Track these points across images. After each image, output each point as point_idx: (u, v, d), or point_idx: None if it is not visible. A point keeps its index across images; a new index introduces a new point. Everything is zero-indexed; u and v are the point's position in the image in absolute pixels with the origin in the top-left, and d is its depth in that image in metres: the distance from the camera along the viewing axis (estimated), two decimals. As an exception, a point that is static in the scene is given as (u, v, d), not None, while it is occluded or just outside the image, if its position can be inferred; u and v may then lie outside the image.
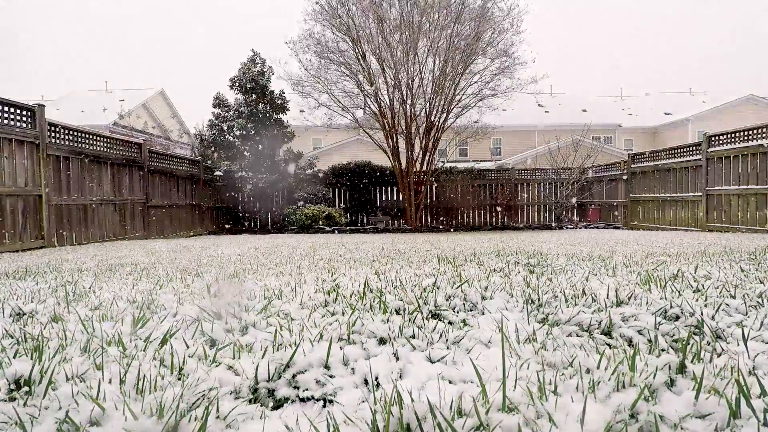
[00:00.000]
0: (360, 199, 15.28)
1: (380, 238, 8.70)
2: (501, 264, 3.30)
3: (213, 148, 14.63)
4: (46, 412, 0.96)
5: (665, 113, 28.27)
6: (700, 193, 10.24)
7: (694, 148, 10.59)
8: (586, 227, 13.71)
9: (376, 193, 15.45)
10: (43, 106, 7.24)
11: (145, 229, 10.06)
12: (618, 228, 12.99)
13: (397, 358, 1.28)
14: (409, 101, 13.31)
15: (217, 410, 0.97)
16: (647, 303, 1.79)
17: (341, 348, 1.33)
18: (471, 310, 1.82)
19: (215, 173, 13.98)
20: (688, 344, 1.29)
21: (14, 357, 1.29)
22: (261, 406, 1.04)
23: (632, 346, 1.35)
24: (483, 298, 1.99)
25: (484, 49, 12.94)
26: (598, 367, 1.12)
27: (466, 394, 0.93)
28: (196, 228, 12.55)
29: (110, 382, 1.10)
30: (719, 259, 3.46)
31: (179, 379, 1.15)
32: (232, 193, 14.67)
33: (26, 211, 6.89)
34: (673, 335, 1.44)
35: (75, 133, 8.07)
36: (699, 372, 1.03)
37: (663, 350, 1.31)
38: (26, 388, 1.07)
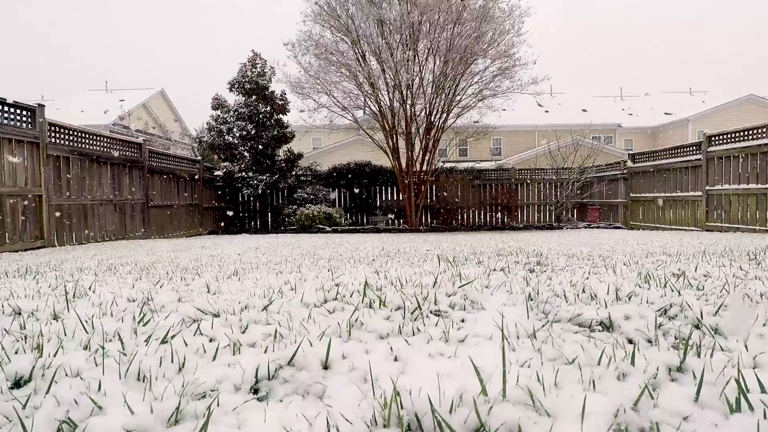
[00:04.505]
0: (360, 199, 15.27)
1: (380, 238, 8.70)
2: (501, 263, 3.30)
3: (213, 150, 14.63)
4: (47, 410, 0.96)
5: (665, 113, 28.27)
6: (700, 193, 10.24)
7: (694, 147, 10.59)
8: (586, 227, 13.70)
9: (377, 193, 15.44)
10: (43, 105, 7.24)
11: (145, 229, 10.05)
12: (618, 228, 12.99)
13: (397, 356, 1.28)
14: (409, 101, 13.30)
15: (218, 405, 0.97)
16: (648, 301, 1.79)
17: (342, 345, 1.33)
18: (471, 308, 1.82)
19: (215, 173, 13.96)
20: (689, 342, 1.29)
21: (15, 353, 1.29)
22: (261, 402, 1.04)
23: (632, 343, 1.35)
24: (483, 296, 1.99)
25: (484, 50, 12.92)
26: (598, 364, 1.12)
27: (467, 390, 0.93)
28: (196, 228, 12.55)
29: (111, 379, 1.10)
30: (719, 259, 3.46)
31: (180, 375, 1.15)
32: (232, 194, 14.66)
33: (26, 210, 6.89)
34: (674, 333, 1.44)
35: (75, 133, 8.07)
36: (699, 369, 1.03)
37: (663, 348, 1.31)
38: (26, 387, 1.07)
